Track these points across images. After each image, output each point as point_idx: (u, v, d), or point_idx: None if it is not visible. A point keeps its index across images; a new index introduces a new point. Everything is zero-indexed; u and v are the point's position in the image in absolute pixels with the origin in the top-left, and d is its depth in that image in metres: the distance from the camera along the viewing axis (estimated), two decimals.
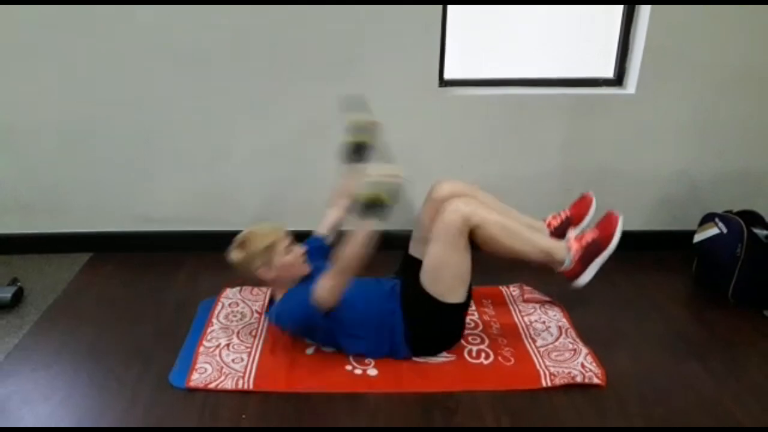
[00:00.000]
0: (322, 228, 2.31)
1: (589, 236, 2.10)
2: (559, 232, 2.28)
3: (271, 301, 2.18)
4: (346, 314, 2.01)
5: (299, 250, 2.10)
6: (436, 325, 2.06)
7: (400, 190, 1.83)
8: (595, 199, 2.31)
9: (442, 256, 1.99)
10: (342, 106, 2.20)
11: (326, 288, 1.91)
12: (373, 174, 1.86)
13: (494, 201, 2.21)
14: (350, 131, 2.19)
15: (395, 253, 2.27)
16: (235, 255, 2.07)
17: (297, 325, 2.06)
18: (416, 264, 2.09)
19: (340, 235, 2.20)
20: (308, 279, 2.05)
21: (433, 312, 2.02)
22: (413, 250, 2.23)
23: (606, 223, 2.12)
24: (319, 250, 2.22)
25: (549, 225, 2.33)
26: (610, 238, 2.06)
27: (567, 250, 2.10)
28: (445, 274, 2.01)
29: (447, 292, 2.01)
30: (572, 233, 2.19)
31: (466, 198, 2.06)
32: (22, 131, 2.67)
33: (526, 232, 2.08)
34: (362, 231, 1.84)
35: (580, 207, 2.32)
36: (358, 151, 2.19)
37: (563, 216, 2.33)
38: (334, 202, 2.30)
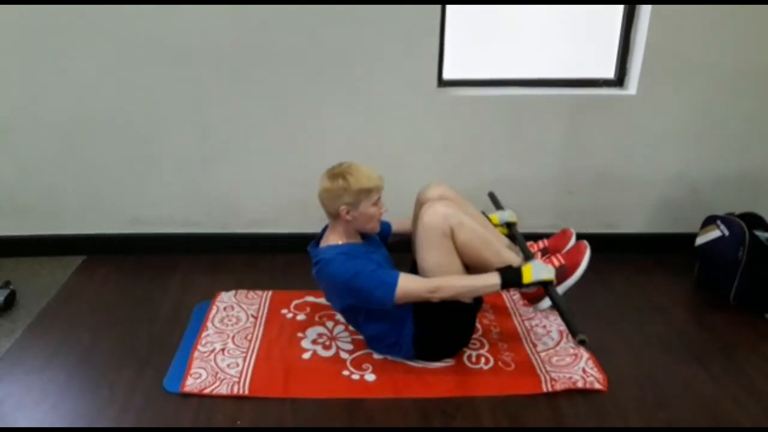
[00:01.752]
0: (397, 222, 2.28)
1: (556, 262, 2.08)
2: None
3: (317, 240, 2.12)
4: None
5: (384, 207, 2.06)
6: (444, 325, 2.03)
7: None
8: (575, 235, 2.26)
9: (433, 260, 1.97)
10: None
11: (413, 289, 1.92)
12: (545, 268, 1.94)
13: (474, 211, 2.19)
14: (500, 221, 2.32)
15: (403, 255, 2.24)
16: (328, 183, 1.99)
17: (353, 285, 1.94)
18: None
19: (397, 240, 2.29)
20: (368, 243, 2.09)
21: (440, 311, 1.99)
22: (414, 254, 2.21)
23: (575, 252, 2.09)
24: (384, 233, 2.21)
25: None
26: (575, 267, 2.04)
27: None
28: (443, 274, 1.99)
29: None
30: (539, 255, 2.19)
31: (445, 201, 2.05)
32: (17, 133, 2.64)
33: (497, 245, 2.05)
34: (490, 286, 1.94)
35: (559, 241, 2.29)
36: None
37: (541, 245, 2.31)
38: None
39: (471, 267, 2.02)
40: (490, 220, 2.27)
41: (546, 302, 2.05)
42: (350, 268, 1.95)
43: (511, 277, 1.93)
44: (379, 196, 2.02)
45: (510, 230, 2.31)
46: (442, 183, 2.19)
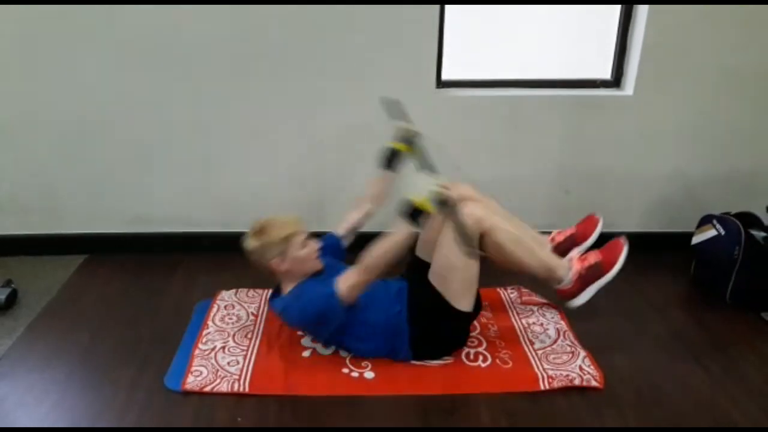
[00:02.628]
0: (340, 228, 2.28)
1: (592, 258, 2.09)
2: (561, 248, 2.28)
3: (276, 292, 2.16)
4: (354, 314, 2.00)
5: (314, 245, 2.09)
6: (441, 328, 2.05)
7: (445, 201, 1.84)
8: (601, 220, 2.30)
9: (453, 259, 1.97)
10: (383, 109, 2.19)
11: (350, 283, 1.92)
12: (425, 181, 1.85)
13: (501, 210, 2.19)
14: (395, 138, 2.20)
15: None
16: (250, 242, 2.04)
17: (308, 318, 2.02)
18: (423, 265, 2.08)
19: (356, 237, 2.23)
20: (319, 275, 2.06)
21: (439, 314, 2.01)
22: (420, 251, 2.22)
23: (611, 249, 2.10)
24: (333, 248, 2.21)
25: (553, 239, 2.33)
26: (612, 264, 2.06)
27: (568, 269, 2.10)
28: (453, 277, 2.00)
29: (455, 296, 2.00)
30: (575, 252, 2.21)
31: (478, 202, 2.06)
32: (19, 132, 2.66)
33: (531, 245, 2.08)
34: (399, 232, 1.86)
35: (586, 226, 2.32)
36: (395, 158, 2.19)
37: (568, 232, 2.33)
38: (359, 204, 2.29)
39: (505, 267, 2.04)
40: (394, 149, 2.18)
41: (581, 298, 2.08)
42: (298, 306, 2.00)
43: (404, 208, 1.86)
44: (304, 235, 2.04)
45: (411, 146, 2.19)
46: (465, 184, 2.18)
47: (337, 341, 2.11)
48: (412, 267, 2.22)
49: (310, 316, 2.01)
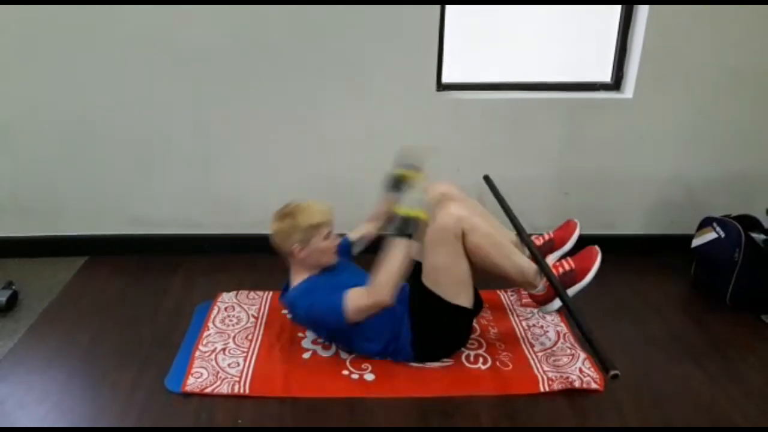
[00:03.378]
0: (353, 234, 2.32)
1: (567, 265, 2.08)
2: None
3: (286, 286, 2.15)
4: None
5: (336, 240, 2.09)
6: (442, 325, 2.05)
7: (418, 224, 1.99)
8: (579, 226, 2.31)
9: (439, 261, 1.98)
10: (397, 157, 2.30)
11: (359, 305, 1.93)
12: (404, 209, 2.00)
13: (482, 210, 2.20)
14: (398, 166, 2.27)
15: None
16: (277, 223, 2.03)
17: (315, 321, 2.05)
18: (419, 267, 2.08)
19: (364, 249, 2.29)
20: (331, 270, 2.09)
21: (439, 311, 2.01)
22: (416, 254, 2.22)
23: (585, 257, 2.08)
24: (345, 249, 2.24)
25: None
26: (586, 272, 2.04)
27: (540, 274, 2.08)
28: (443, 277, 2.00)
29: (449, 294, 2.00)
30: (551, 258, 2.21)
31: (458, 202, 2.06)
32: (19, 133, 2.66)
33: (509, 248, 2.06)
34: (399, 254, 1.92)
35: (564, 232, 2.32)
36: (397, 185, 2.24)
37: (546, 237, 2.33)
38: (371, 219, 2.34)
39: (480, 269, 2.03)
40: (402, 176, 2.24)
41: (554, 304, 2.07)
42: (305, 303, 2.01)
43: (398, 226, 1.97)
44: (330, 230, 2.06)
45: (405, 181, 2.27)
46: (449, 183, 2.21)
47: (340, 340, 2.12)
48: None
49: (314, 317, 2.03)
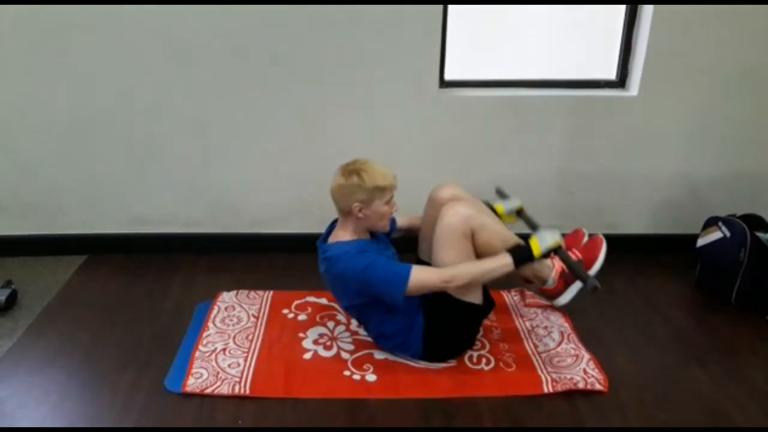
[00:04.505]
0: (401, 220, 2.28)
1: (573, 256, 2.10)
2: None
3: (326, 236, 2.10)
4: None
5: (395, 207, 2.05)
6: (452, 321, 2.03)
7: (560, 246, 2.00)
8: (587, 235, 2.30)
9: (449, 260, 1.96)
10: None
11: (426, 281, 1.91)
12: (550, 234, 1.98)
13: (487, 210, 2.19)
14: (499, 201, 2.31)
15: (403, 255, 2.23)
16: (343, 179, 1.97)
17: (367, 280, 1.93)
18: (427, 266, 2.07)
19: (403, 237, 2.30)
20: (375, 237, 2.09)
21: (450, 307, 1.99)
22: (422, 254, 2.22)
23: (591, 247, 2.12)
24: (391, 227, 2.21)
25: None
26: (593, 262, 2.09)
27: (550, 268, 2.13)
28: None
29: (461, 293, 1.98)
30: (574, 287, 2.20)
31: (465, 201, 2.05)
32: (18, 132, 2.64)
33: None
34: (501, 266, 1.93)
35: (572, 240, 2.30)
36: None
37: (573, 258, 2.30)
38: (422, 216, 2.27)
39: None
40: (495, 210, 2.24)
41: (565, 297, 2.12)
42: (362, 261, 1.94)
43: (521, 253, 1.94)
44: (392, 195, 2.01)
45: (519, 216, 2.29)
46: (455, 183, 2.19)
47: (359, 310, 2.09)
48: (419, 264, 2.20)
49: (369, 277, 1.92)
